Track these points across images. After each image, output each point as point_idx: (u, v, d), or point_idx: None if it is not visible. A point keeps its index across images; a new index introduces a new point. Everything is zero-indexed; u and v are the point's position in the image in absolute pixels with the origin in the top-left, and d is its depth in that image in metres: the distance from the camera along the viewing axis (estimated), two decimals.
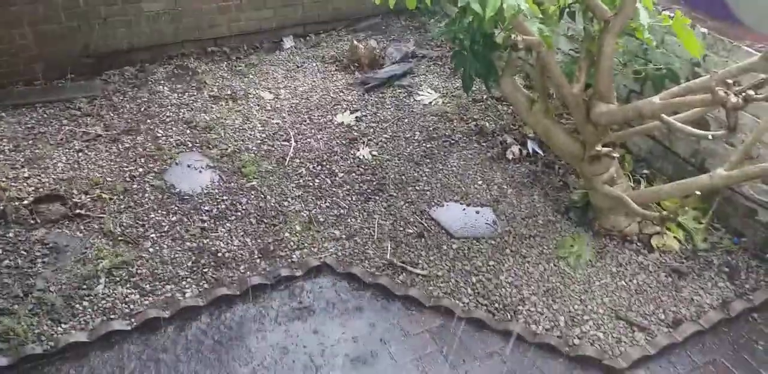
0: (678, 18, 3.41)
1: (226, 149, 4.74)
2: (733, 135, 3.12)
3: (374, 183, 4.48)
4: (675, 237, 3.95)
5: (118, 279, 3.61)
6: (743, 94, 2.78)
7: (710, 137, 3.12)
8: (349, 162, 4.69)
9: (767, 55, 2.85)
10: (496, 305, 3.52)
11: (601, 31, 3.39)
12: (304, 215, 4.14)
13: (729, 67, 3.19)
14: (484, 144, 4.91)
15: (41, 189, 4.22)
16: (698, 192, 3.35)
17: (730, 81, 2.89)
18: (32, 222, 3.97)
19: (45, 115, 5.06)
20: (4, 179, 4.29)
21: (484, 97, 5.47)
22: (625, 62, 4.38)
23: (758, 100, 2.78)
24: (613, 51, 3.42)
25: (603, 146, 3.69)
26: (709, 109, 3.47)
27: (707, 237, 3.99)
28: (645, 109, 3.28)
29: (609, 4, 3.42)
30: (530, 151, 4.78)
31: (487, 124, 5.09)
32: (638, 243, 3.97)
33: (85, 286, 3.54)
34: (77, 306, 3.43)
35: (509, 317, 3.45)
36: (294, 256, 3.82)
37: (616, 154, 3.73)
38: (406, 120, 5.21)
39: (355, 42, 6.05)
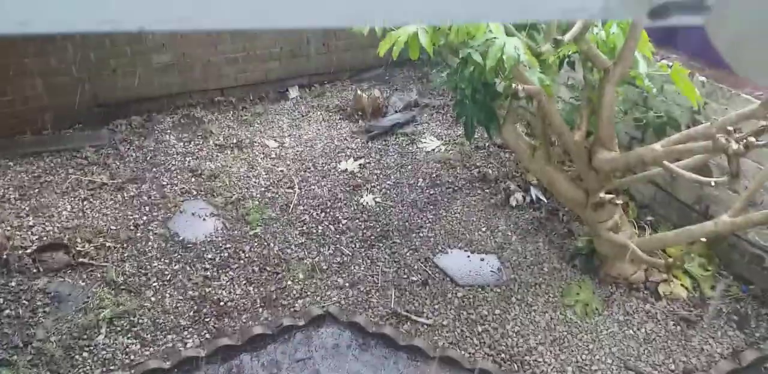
0: (676, 68, 3.49)
1: (231, 197, 4.77)
2: (735, 181, 3.13)
3: (378, 230, 4.47)
4: (682, 284, 3.90)
5: (119, 328, 3.56)
6: (744, 140, 2.81)
7: (713, 184, 3.13)
8: (352, 209, 4.70)
9: (767, 102, 2.89)
10: (503, 355, 3.45)
11: (601, 80, 3.45)
12: (307, 263, 4.12)
13: (729, 114, 3.23)
14: (487, 191, 4.93)
15: (45, 238, 4.23)
16: (703, 239, 3.33)
17: (730, 128, 2.92)
18: (35, 271, 3.96)
19: (52, 164, 5.13)
20: (8, 228, 4.30)
21: (486, 144, 5.53)
22: (626, 110, 4.44)
23: (759, 146, 2.79)
24: (613, 99, 3.47)
25: (606, 193, 3.69)
26: (710, 155, 3.49)
27: (715, 285, 3.93)
28: (647, 156, 3.30)
29: (608, 53, 3.51)
30: (533, 197, 4.79)
31: (490, 171, 5.12)
32: (645, 291, 3.91)
33: (85, 336, 3.50)
34: (77, 356, 3.38)
35: (516, 368, 3.37)
36: (297, 305, 3.77)
37: (619, 201, 3.73)
38: (409, 167, 5.25)
39: (359, 92, 6.18)
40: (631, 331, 3.63)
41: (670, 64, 3.59)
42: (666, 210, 4.46)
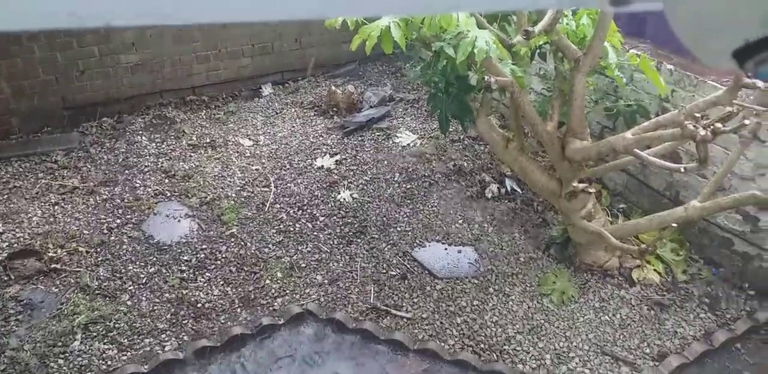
0: (644, 58, 3.54)
1: (205, 197, 4.72)
2: (704, 167, 3.18)
3: (356, 225, 4.47)
4: (655, 270, 3.96)
5: (94, 334, 3.51)
6: (711, 127, 2.86)
7: (682, 170, 3.18)
8: (329, 205, 4.69)
9: (732, 88, 2.94)
10: (482, 345, 3.47)
11: (572, 70, 3.48)
12: (285, 261, 4.10)
13: (696, 101, 3.28)
14: (463, 183, 4.95)
15: (16, 245, 4.15)
16: (674, 225, 3.38)
17: (698, 115, 2.97)
18: (6, 278, 3.88)
19: (21, 169, 5.03)
20: None
21: (461, 137, 5.55)
22: (597, 99, 4.49)
23: (726, 132, 2.84)
24: (584, 89, 3.51)
25: (579, 182, 3.73)
26: (679, 142, 3.54)
27: (686, 269, 4.00)
28: (618, 145, 3.34)
29: (578, 44, 3.54)
30: (508, 188, 4.82)
31: (466, 164, 5.14)
32: (619, 278, 3.97)
33: (60, 343, 3.45)
34: (52, 364, 3.33)
35: (495, 357, 3.40)
36: (276, 304, 3.76)
37: (592, 190, 3.77)
38: (385, 162, 5.25)
39: (333, 87, 6.15)
40: (606, 317, 3.68)
41: (639, 53, 3.63)
42: (638, 198, 4.53)
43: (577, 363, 3.37)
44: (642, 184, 4.47)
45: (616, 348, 3.47)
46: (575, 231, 3.95)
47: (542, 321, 3.64)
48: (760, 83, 3.21)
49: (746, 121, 2.91)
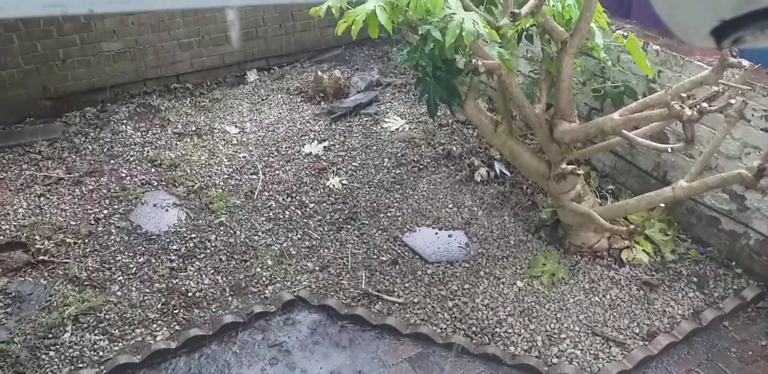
0: (631, 39, 3.52)
1: (193, 186, 4.68)
2: (691, 147, 3.19)
3: (345, 212, 4.45)
4: (644, 250, 3.98)
5: (85, 325, 3.49)
6: (698, 106, 2.86)
7: (669, 150, 3.19)
8: (319, 192, 4.67)
9: (717, 68, 2.94)
10: (474, 329, 3.49)
11: (559, 52, 3.46)
12: (276, 249, 4.09)
13: (682, 81, 3.28)
14: (452, 167, 4.93)
15: (2, 237, 4.10)
16: (662, 205, 3.40)
17: (684, 95, 2.97)
18: None
19: (4, 161, 4.95)
20: None
21: (450, 121, 5.52)
22: (584, 81, 4.47)
23: (712, 111, 2.84)
24: (571, 71, 3.49)
25: (567, 164, 3.73)
26: (666, 122, 3.55)
27: (675, 249, 4.03)
28: (606, 126, 3.34)
29: (564, 25, 3.51)
30: (498, 172, 4.81)
31: (454, 148, 5.12)
32: (609, 259, 3.99)
33: (51, 335, 3.43)
34: (43, 356, 3.31)
35: (487, 340, 3.42)
36: (267, 292, 3.75)
37: (581, 172, 3.78)
38: (374, 147, 5.22)
39: (320, 73, 6.10)
40: (596, 298, 3.70)
41: (626, 34, 3.62)
42: (626, 178, 4.54)
43: (568, 345, 3.40)
44: (630, 165, 4.48)
45: (606, 328, 3.50)
46: (564, 213, 3.96)
47: (533, 303, 3.66)
48: (745, 62, 3.21)
49: (732, 101, 2.91)
